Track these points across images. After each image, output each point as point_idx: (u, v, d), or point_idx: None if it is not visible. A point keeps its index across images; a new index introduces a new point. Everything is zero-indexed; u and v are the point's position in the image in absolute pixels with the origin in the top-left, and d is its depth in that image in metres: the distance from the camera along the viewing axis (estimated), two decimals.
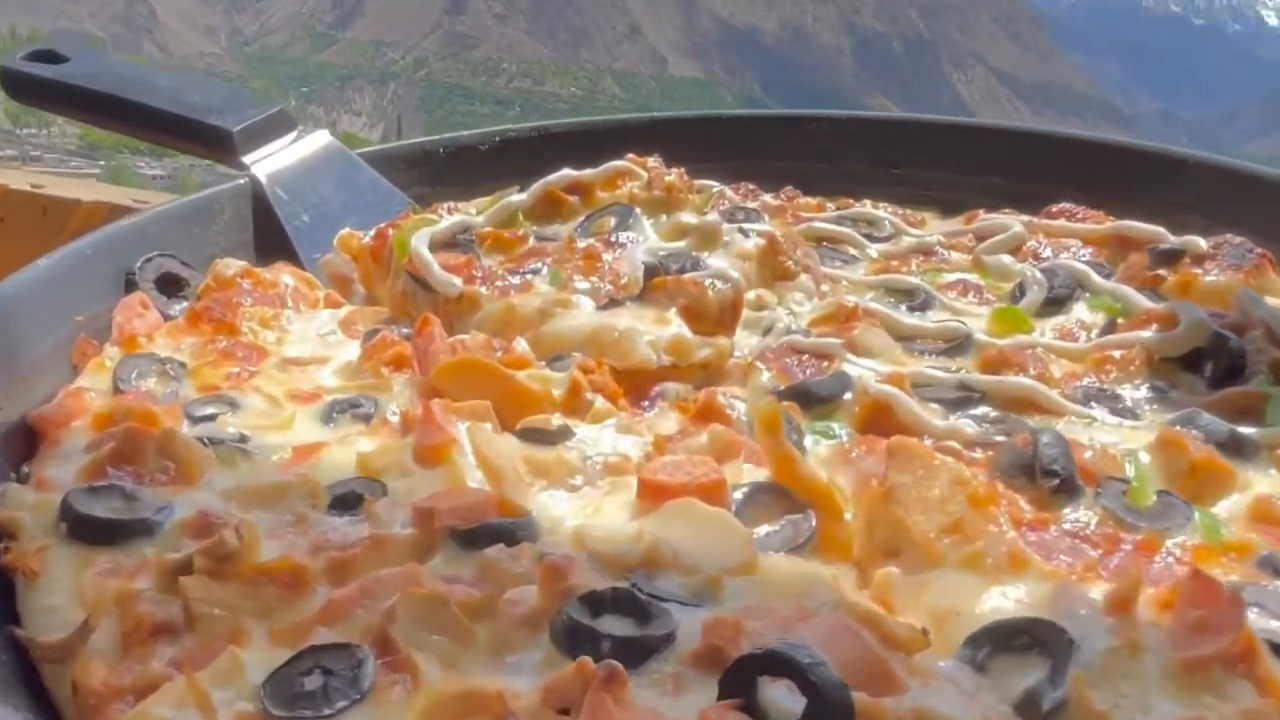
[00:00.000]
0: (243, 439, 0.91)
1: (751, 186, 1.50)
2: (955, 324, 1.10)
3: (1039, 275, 1.16)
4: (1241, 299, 1.05)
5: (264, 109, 1.36)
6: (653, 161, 1.40)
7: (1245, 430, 0.88)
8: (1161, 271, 1.16)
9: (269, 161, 1.32)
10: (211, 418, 0.96)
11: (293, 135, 1.36)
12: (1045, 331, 1.11)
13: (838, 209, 1.49)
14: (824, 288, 1.20)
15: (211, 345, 1.08)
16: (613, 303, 1.07)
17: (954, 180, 1.48)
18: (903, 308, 1.16)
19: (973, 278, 1.23)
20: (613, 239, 1.21)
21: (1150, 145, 1.34)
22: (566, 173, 1.31)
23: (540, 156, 1.50)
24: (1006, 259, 1.26)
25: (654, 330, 1.02)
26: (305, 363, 1.06)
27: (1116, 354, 1.02)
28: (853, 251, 1.32)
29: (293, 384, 1.03)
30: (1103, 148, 1.39)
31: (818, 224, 1.35)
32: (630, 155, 1.39)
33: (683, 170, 1.30)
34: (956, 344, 1.07)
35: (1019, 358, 1.00)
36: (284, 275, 1.23)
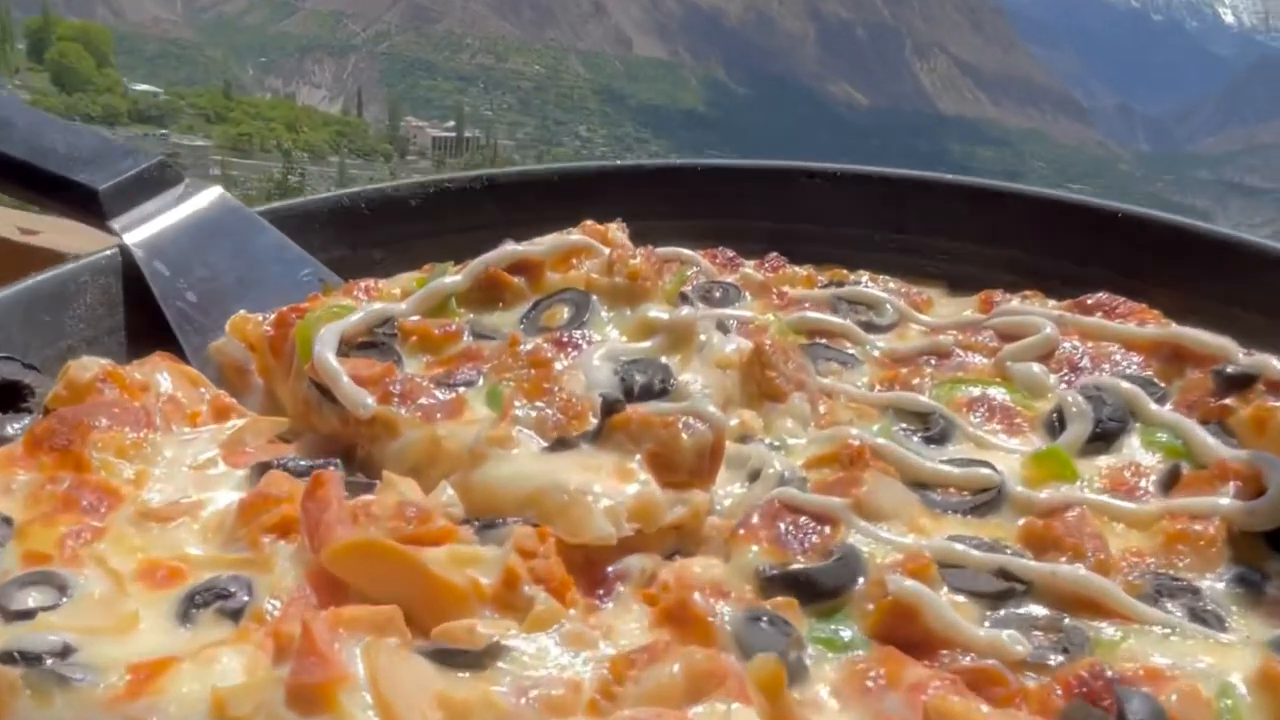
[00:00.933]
0: (66, 652, 0.68)
1: (730, 254, 1.28)
2: (984, 471, 0.89)
3: (1081, 402, 0.96)
4: None
5: (140, 161, 1.09)
6: (615, 230, 1.18)
7: None
8: (1229, 401, 0.95)
9: (145, 227, 1.06)
10: (30, 614, 0.72)
11: (178, 192, 1.10)
12: (1093, 479, 0.90)
13: (830, 280, 1.28)
14: (820, 407, 0.99)
15: (50, 487, 0.84)
16: (562, 443, 0.84)
17: (964, 250, 1.28)
18: (916, 438, 0.96)
19: (999, 394, 1.02)
20: (564, 337, 0.99)
21: (1199, 226, 1.14)
22: (511, 248, 1.08)
23: (481, 211, 1.28)
24: (1037, 369, 1.05)
25: (613, 488, 0.80)
26: (168, 516, 0.83)
27: (1192, 524, 0.82)
28: (851, 350, 1.11)
29: (148, 551, 0.79)
30: (1144, 222, 1.18)
31: (810, 315, 1.13)
32: (588, 223, 1.17)
33: (650, 250, 1.08)
34: (988, 499, 0.86)
35: (1070, 534, 0.80)
36: (159, 374, 0.98)
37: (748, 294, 1.22)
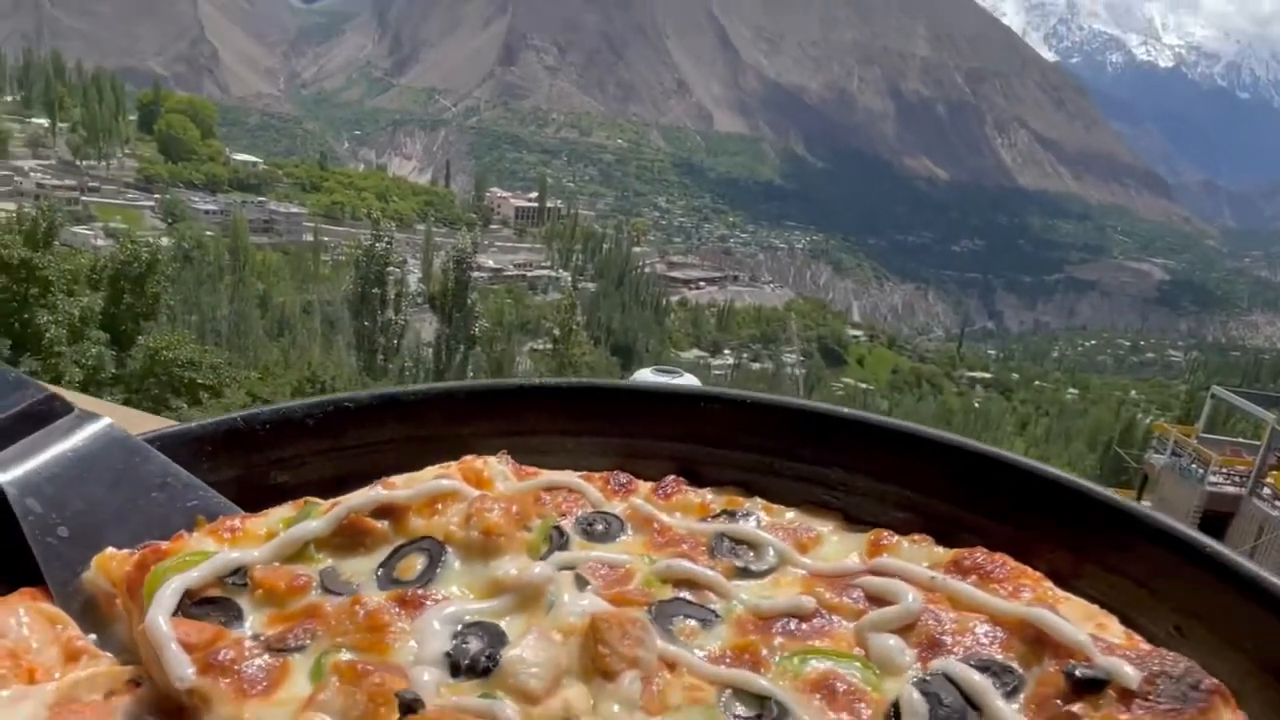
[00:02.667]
0: None
1: (624, 480, 1.27)
2: None
3: (918, 701, 0.91)
4: None
5: (27, 396, 1.13)
6: (495, 464, 1.19)
7: None
8: (1076, 708, 0.90)
9: (21, 464, 1.09)
10: None
11: (64, 425, 1.13)
12: None
13: (724, 509, 1.26)
14: (657, 680, 0.96)
15: None
16: None
17: (858, 483, 1.24)
18: None
19: (850, 671, 0.98)
20: (410, 594, 1.00)
21: (1098, 491, 1.08)
22: (375, 494, 1.09)
23: (383, 429, 1.30)
24: (893, 642, 1.00)
25: None
26: None
27: None
28: (715, 605, 1.08)
29: None
30: (1041, 480, 1.13)
31: (679, 564, 1.11)
32: (468, 458, 1.18)
33: (511, 507, 1.08)
34: None
35: None
36: (15, 616, 1.01)
37: (630, 528, 1.20)
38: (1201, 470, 32.62)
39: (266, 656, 0.94)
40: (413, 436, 1.30)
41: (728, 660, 1.01)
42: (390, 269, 70.94)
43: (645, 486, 1.29)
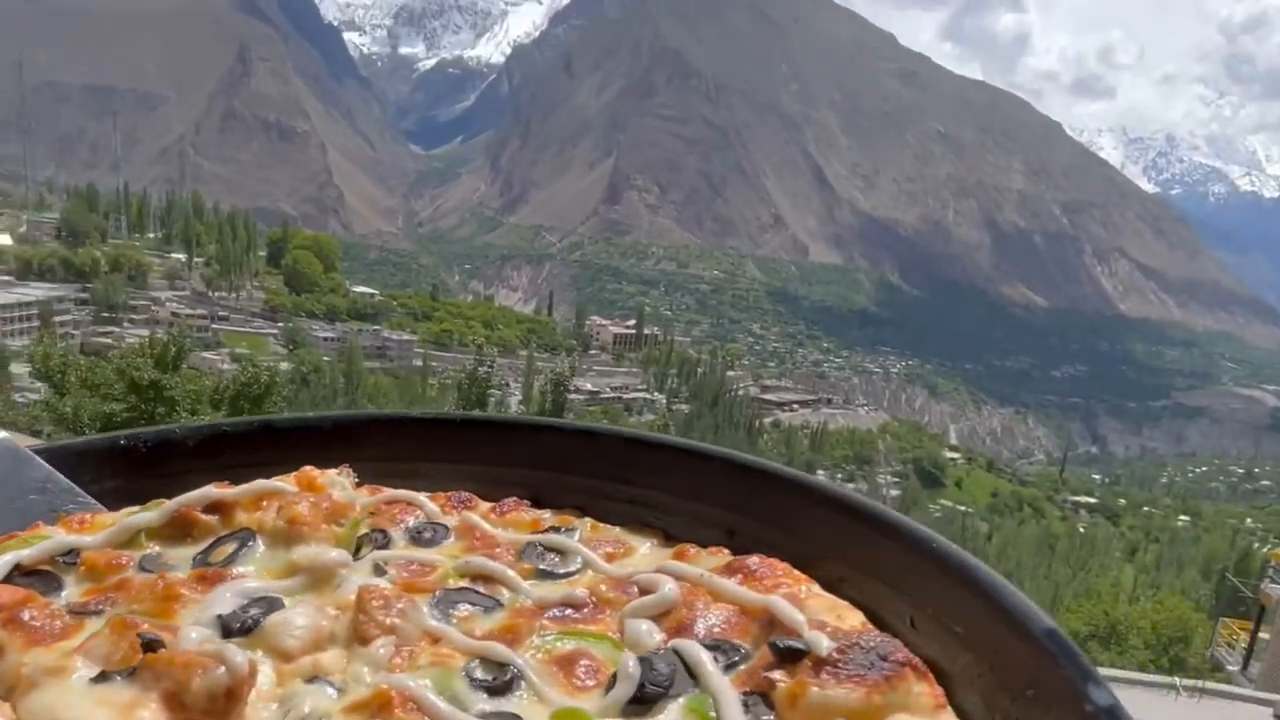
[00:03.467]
0: None
1: (465, 498, 1.36)
2: None
3: (632, 664, 0.96)
4: None
5: None
6: (333, 475, 1.30)
7: None
8: (775, 675, 0.93)
9: None
10: None
11: None
12: None
13: (555, 525, 1.33)
14: (414, 649, 1.03)
15: None
16: (104, 676, 0.94)
17: (676, 504, 1.30)
18: (483, 691, 0.98)
19: (598, 649, 1.03)
20: (210, 573, 1.10)
21: (875, 507, 1.11)
22: (206, 491, 1.22)
23: (258, 452, 1.43)
24: (645, 627, 1.05)
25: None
26: None
27: None
28: (504, 596, 1.15)
29: None
30: (824, 498, 1.17)
31: (476, 560, 1.19)
32: (307, 468, 1.30)
33: (322, 503, 1.18)
34: None
35: None
36: None
37: (454, 535, 1.28)
38: None
39: (66, 618, 1.06)
40: (285, 459, 1.42)
41: (493, 638, 1.07)
42: (491, 391, 73.08)
43: (485, 506, 1.37)
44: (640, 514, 1.34)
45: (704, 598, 1.10)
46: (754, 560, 1.14)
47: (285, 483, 1.26)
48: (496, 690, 0.98)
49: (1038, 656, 0.85)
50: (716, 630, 1.04)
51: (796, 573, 1.13)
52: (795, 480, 1.22)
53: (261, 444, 1.43)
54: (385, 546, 1.25)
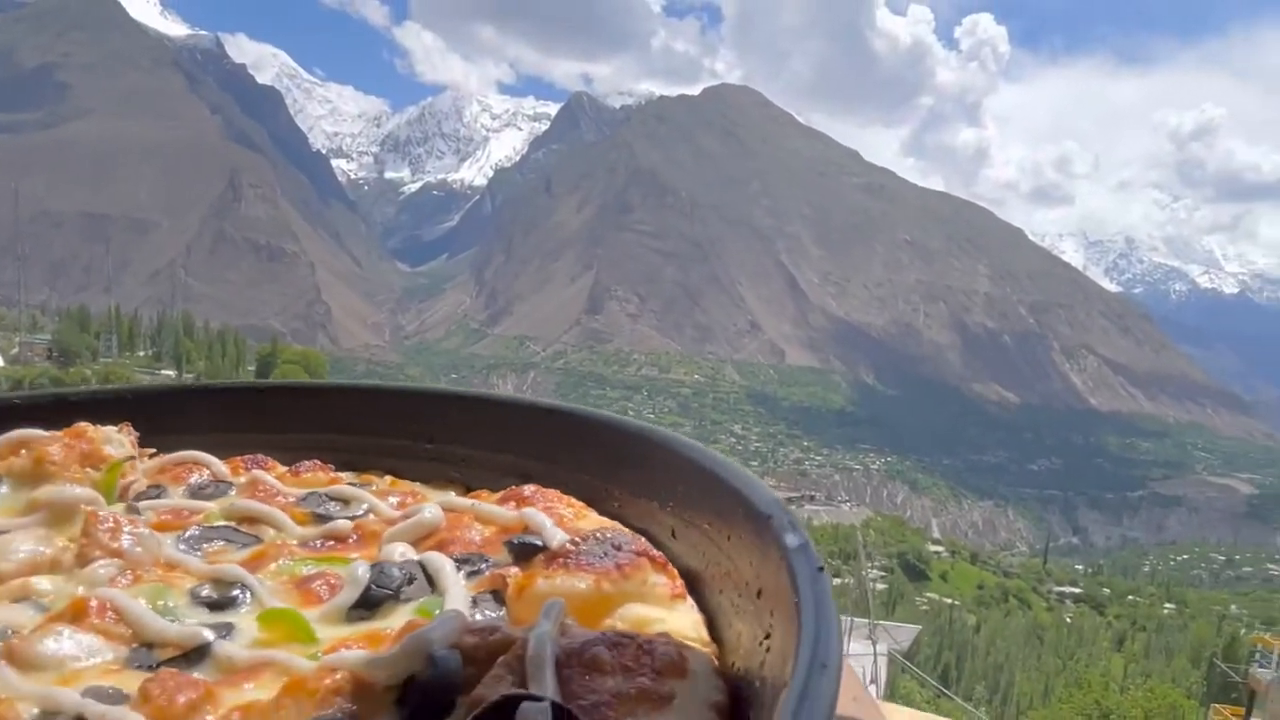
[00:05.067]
0: None
1: (260, 459, 1.31)
2: (197, 630, 0.84)
3: (360, 571, 0.90)
4: (542, 610, 0.76)
5: None
6: (115, 433, 1.24)
7: None
8: (510, 571, 0.88)
9: None
10: None
11: None
12: (344, 640, 0.84)
13: (353, 482, 1.28)
14: (133, 574, 0.96)
15: None
16: None
17: (476, 456, 1.26)
18: (204, 607, 0.91)
19: (340, 570, 0.97)
20: None
21: (637, 425, 1.08)
22: None
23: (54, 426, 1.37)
24: (401, 549, 1.00)
25: None
26: None
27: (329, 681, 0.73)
28: (268, 535, 1.09)
29: None
30: (608, 430, 1.14)
31: (240, 502, 1.13)
32: (81, 424, 1.24)
33: (78, 446, 1.13)
34: (194, 653, 0.81)
35: (180, 686, 0.73)
36: None
37: (235, 489, 1.23)
38: None
39: None
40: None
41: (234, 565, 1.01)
42: None
43: (282, 468, 1.32)
44: (443, 470, 1.31)
45: (468, 521, 1.05)
46: (529, 489, 1.11)
47: (54, 434, 1.20)
48: (218, 605, 0.92)
49: (754, 523, 0.80)
50: (473, 547, 1.00)
51: (567, 498, 1.09)
52: (581, 415, 1.19)
53: (57, 419, 1.37)
54: (159, 497, 1.19)
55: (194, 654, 0.83)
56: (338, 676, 0.73)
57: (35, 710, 0.74)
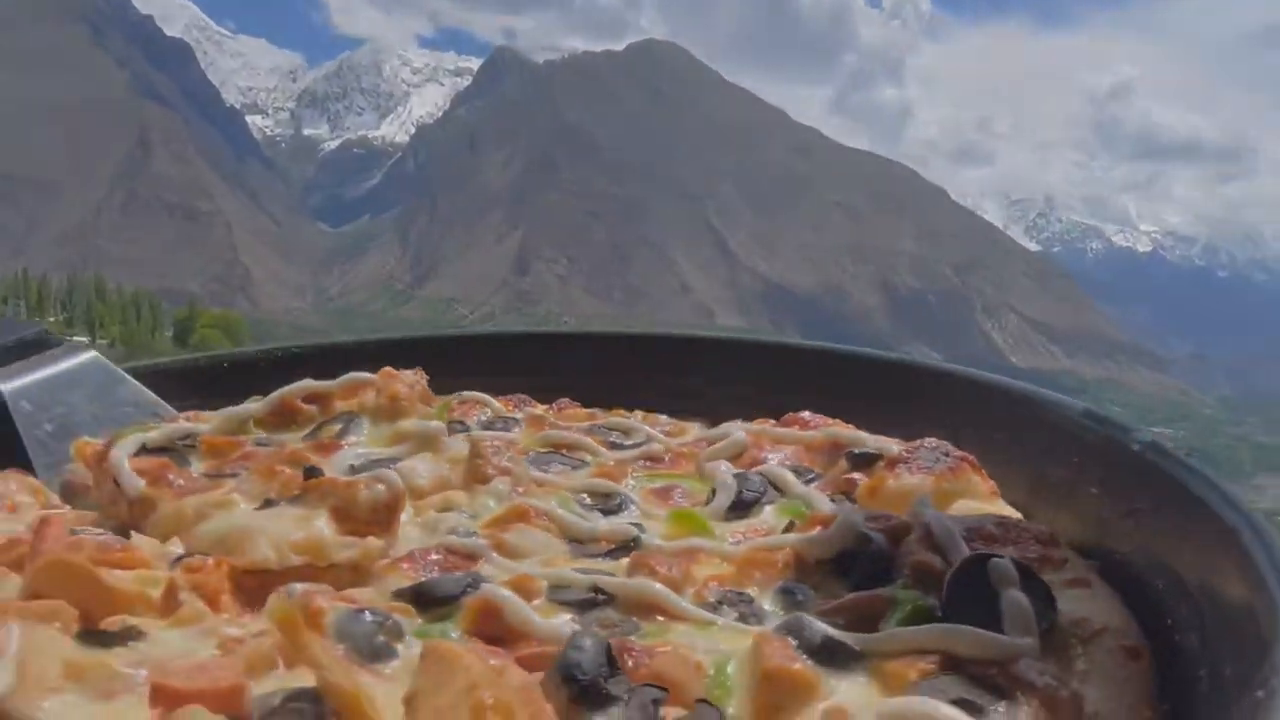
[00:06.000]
0: None
1: (524, 399, 1.51)
2: (628, 526, 1.06)
3: (729, 479, 1.13)
4: (915, 503, 0.99)
5: (20, 331, 1.42)
6: (408, 374, 1.43)
7: (842, 636, 0.80)
8: (856, 475, 1.11)
9: (19, 377, 1.36)
10: None
11: (55, 353, 1.41)
12: (727, 535, 1.06)
13: (606, 421, 1.49)
14: (522, 489, 1.17)
15: None
16: (268, 503, 1.05)
17: (722, 393, 1.48)
18: (596, 510, 1.13)
19: (683, 483, 1.20)
20: (327, 442, 1.23)
21: (892, 356, 1.34)
22: (307, 383, 1.34)
23: (330, 374, 1.54)
24: (723, 465, 1.22)
25: (287, 529, 0.99)
26: None
27: (776, 557, 0.96)
28: (587, 459, 1.30)
29: None
30: (852, 359, 1.39)
31: (554, 432, 1.34)
32: (386, 369, 1.42)
33: (418, 382, 1.32)
34: (625, 546, 1.03)
35: (660, 564, 0.95)
36: (4, 483, 1.23)
37: (523, 424, 1.43)
38: None
39: (204, 480, 1.16)
40: None
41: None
42: None
43: (541, 407, 1.52)
44: (684, 405, 1.51)
45: (768, 443, 1.28)
46: (806, 413, 1.33)
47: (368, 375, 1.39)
48: (610, 511, 1.13)
49: (1075, 427, 1.06)
50: (788, 462, 1.22)
51: (843, 422, 1.31)
52: (833, 352, 1.42)
53: (331, 366, 1.54)
54: (465, 432, 1.39)
55: (622, 547, 1.04)
56: (785, 552, 0.96)
57: (545, 584, 0.95)
